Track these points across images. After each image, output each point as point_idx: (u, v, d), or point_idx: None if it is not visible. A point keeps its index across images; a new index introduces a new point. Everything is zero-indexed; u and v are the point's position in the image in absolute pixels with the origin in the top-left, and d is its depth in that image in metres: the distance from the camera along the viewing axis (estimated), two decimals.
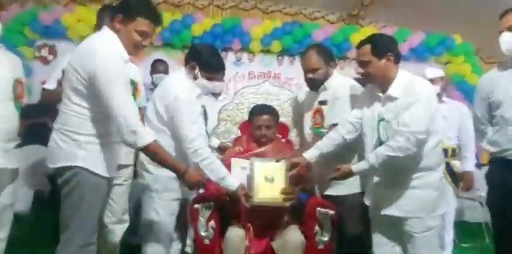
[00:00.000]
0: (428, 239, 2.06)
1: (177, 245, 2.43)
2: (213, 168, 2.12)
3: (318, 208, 2.25)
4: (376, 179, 2.13)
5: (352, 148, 2.32)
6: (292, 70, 5.02)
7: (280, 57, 5.14)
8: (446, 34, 5.06)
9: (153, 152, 1.86)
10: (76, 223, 1.81)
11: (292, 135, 2.83)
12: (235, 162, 2.32)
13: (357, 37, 4.85)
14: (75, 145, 1.81)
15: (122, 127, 1.77)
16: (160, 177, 2.19)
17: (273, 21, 5.06)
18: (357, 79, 2.49)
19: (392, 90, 2.05)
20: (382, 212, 2.10)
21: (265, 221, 2.29)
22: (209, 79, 2.26)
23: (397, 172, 2.05)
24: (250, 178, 2.23)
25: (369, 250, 2.40)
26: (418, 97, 1.96)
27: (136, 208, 3.20)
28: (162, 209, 2.23)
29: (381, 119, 2.07)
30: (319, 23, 5.28)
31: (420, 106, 1.95)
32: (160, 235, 2.26)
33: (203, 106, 2.39)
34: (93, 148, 1.83)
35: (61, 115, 1.86)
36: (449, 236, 3.15)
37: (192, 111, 2.17)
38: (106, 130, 1.86)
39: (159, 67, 3.66)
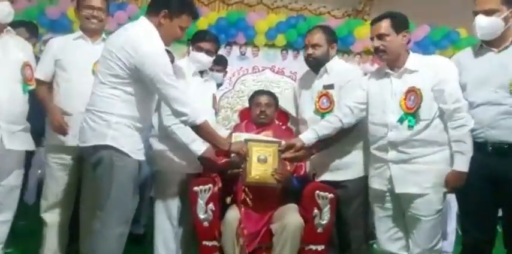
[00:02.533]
0: (434, 224, 2.06)
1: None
2: (184, 132, 2.19)
3: (317, 192, 2.25)
4: (390, 155, 2.09)
5: (356, 134, 2.31)
6: (296, 65, 5.02)
7: (284, 52, 5.15)
8: (452, 28, 5.04)
9: (206, 129, 2.04)
10: (111, 202, 1.90)
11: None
12: (237, 137, 2.34)
13: (362, 31, 4.85)
14: (105, 125, 1.90)
15: (178, 109, 1.94)
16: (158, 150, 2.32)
17: (277, 15, 5.07)
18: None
19: (409, 64, 2.09)
20: (398, 191, 2.06)
21: (260, 201, 2.30)
22: (198, 49, 2.39)
23: (415, 148, 2.04)
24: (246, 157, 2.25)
25: (369, 235, 2.40)
26: (451, 71, 2.05)
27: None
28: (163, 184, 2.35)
29: (396, 93, 2.08)
30: (324, 18, 5.30)
31: (457, 80, 2.04)
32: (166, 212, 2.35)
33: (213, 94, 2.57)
34: (122, 129, 1.92)
35: (94, 97, 1.97)
36: (452, 225, 3.13)
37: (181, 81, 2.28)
38: (138, 114, 1.97)
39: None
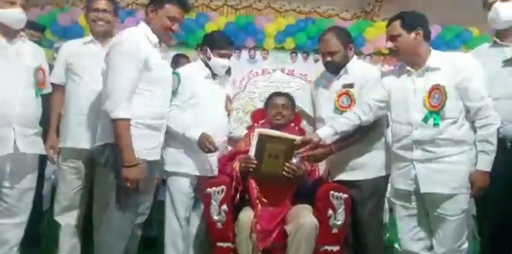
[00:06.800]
0: (460, 223, 2.00)
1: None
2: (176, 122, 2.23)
3: (332, 192, 2.22)
4: (416, 154, 2.03)
5: (372, 134, 2.29)
6: (306, 67, 5.03)
7: (293, 54, 5.16)
8: (463, 27, 4.99)
9: (119, 128, 1.87)
10: (115, 200, 1.92)
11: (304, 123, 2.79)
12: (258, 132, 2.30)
13: (371, 32, 4.84)
14: (109, 125, 1.92)
15: (107, 97, 1.89)
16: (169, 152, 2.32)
17: (286, 19, 5.08)
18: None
19: (431, 62, 2.03)
20: (424, 191, 2.01)
21: (273, 197, 2.28)
22: (221, 56, 2.41)
23: (442, 147, 1.98)
24: (258, 152, 2.25)
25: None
26: (475, 68, 1.99)
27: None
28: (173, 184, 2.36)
29: (419, 91, 2.03)
30: (333, 20, 5.28)
31: (481, 77, 1.97)
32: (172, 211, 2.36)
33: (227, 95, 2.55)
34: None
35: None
36: (468, 227, 3.05)
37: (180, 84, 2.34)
38: (142, 111, 1.97)
39: (182, 62, 3.64)
